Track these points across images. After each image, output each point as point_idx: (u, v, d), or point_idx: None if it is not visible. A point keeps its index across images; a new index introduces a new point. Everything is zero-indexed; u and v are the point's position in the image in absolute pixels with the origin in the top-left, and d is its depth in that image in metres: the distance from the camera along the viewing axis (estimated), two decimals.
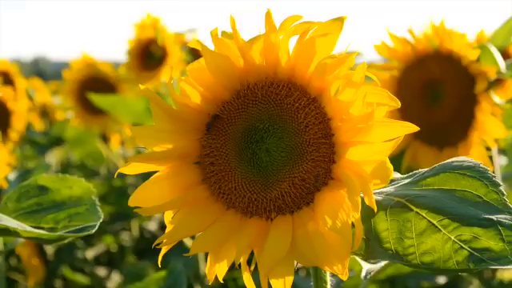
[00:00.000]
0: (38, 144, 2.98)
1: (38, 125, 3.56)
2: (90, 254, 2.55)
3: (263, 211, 0.70)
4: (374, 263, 0.88)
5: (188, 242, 2.23)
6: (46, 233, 0.81)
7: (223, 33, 0.70)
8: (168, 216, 0.72)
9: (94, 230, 0.82)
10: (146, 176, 0.73)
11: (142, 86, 0.72)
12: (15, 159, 1.77)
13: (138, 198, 0.71)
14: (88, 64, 2.93)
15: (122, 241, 2.83)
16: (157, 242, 0.69)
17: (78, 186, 0.91)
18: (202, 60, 0.71)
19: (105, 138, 3.35)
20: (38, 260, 2.12)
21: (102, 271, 2.70)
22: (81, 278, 2.27)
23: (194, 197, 0.72)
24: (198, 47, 0.70)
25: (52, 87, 5.46)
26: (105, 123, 2.77)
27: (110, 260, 2.82)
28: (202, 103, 0.72)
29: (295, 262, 0.66)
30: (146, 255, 2.79)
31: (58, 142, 2.96)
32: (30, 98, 3.57)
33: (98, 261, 2.76)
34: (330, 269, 0.64)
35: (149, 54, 2.17)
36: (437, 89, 1.37)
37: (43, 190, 0.92)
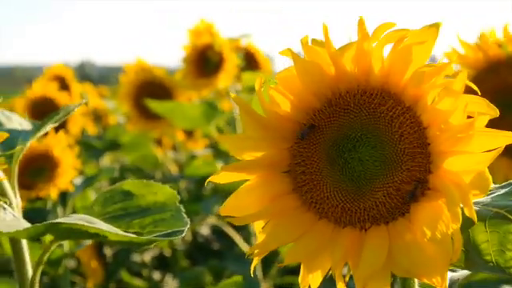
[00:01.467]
0: (93, 148, 3.01)
1: (92, 129, 3.61)
2: (147, 257, 2.58)
3: (357, 221, 0.69)
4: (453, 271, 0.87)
5: (243, 246, 2.25)
6: (136, 237, 0.82)
7: (313, 40, 0.70)
8: (258, 226, 0.72)
9: (182, 235, 0.83)
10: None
11: (232, 94, 0.72)
12: (80, 163, 1.80)
13: (229, 207, 0.71)
14: (143, 69, 2.96)
15: (174, 245, 2.85)
16: (249, 251, 0.70)
17: (162, 193, 0.92)
18: (291, 68, 0.70)
19: (158, 143, 3.39)
20: (97, 263, 2.15)
21: (156, 275, 2.72)
22: (138, 282, 2.29)
23: (284, 206, 0.71)
24: (289, 55, 0.70)
25: (102, 91, 5.54)
26: (160, 128, 2.79)
27: (163, 264, 2.84)
28: (292, 111, 0.72)
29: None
30: (199, 260, 2.81)
31: (113, 145, 2.99)
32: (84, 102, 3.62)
33: (151, 264, 2.79)
34: (429, 280, 0.63)
35: (205, 60, 2.18)
36: (510, 97, 1.35)
37: (128, 195, 0.93)
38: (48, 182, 1.65)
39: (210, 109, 2.08)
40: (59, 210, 1.84)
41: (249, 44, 3.07)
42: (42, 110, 2.68)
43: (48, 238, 0.90)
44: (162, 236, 0.84)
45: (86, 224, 0.80)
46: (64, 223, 0.81)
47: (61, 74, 3.97)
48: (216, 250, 2.97)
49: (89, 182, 1.85)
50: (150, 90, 2.78)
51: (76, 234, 0.85)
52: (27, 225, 0.86)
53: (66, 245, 1.68)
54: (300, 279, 0.69)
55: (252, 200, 0.71)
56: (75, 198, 1.85)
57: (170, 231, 0.85)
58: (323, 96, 0.71)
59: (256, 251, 0.70)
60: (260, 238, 0.70)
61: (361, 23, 0.66)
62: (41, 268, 0.93)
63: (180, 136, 3.40)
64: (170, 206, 0.90)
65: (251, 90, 2.29)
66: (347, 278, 0.68)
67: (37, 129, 0.97)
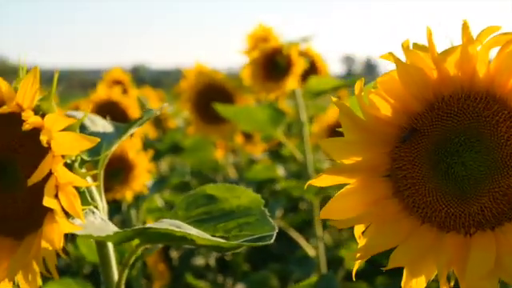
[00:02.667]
0: (155, 151, 3.03)
1: (152, 132, 3.64)
2: (212, 260, 2.59)
3: (461, 226, 0.68)
4: None
5: (309, 249, 2.24)
6: (225, 241, 0.82)
7: (414, 45, 0.69)
8: (358, 230, 0.71)
9: (271, 241, 0.82)
10: None
11: (334, 98, 0.71)
12: (154, 166, 1.81)
13: (329, 211, 0.71)
14: (202, 73, 2.97)
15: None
16: (350, 256, 0.69)
17: (245, 196, 0.92)
18: (393, 72, 0.69)
19: (217, 146, 3.40)
20: (164, 265, 2.17)
21: (218, 278, 2.72)
22: (202, 284, 2.30)
23: (385, 210, 0.71)
24: (391, 59, 0.69)
25: (159, 95, 5.59)
26: (220, 132, 2.79)
27: (223, 267, 2.84)
28: (393, 115, 0.71)
29: None
30: (258, 263, 2.80)
31: (174, 149, 3.01)
32: (144, 106, 3.66)
33: (209, 267, 2.79)
34: None
35: (273, 64, 2.17)
36: None
37: (211, 199, 0.93)
38: (123, 184, 1.67)
39: (277, 113, 2.07)
40: (132, 212, 1.86)
41: (307, 48, 3.06)
42: (107, 113, 2.71)
43: (135, 241, 0.90)
44: (251, 241, 0.83)
45: (175, 229, 0.80)
46: (153, 228, 0.81)
47: (119, 78, 4.02)
48: (276, 253, 2.96)
49: (160, 184, 1.86)
50: (211, 94, 2.78)
51: (164, 238, 0.85)
52: (115, 229, 0.86)
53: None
54: (403, 284, 0.69)
55: (352, 204, 0.70)
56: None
57: (258, 236, 0.84)
58: (425, 100, 0.70)
59: (358, 255, 0.69)
60: (361, 242, 0.70)
61: (465, 27, 0.65)
62: (126, 271, 0.94)
63: (239, 140, 3.40)
64: (254, 210, 0.90)
65: (316, 94, 2.28)
66: (452, 283, 0.66)
67: (121, 132, 0.98)
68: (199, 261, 2.65)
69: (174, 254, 2.39)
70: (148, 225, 0.82)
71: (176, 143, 3.06)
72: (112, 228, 0.86)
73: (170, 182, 1.88)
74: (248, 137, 3.84)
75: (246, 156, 3.59)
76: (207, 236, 0.82)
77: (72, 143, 0.76)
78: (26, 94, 0.77)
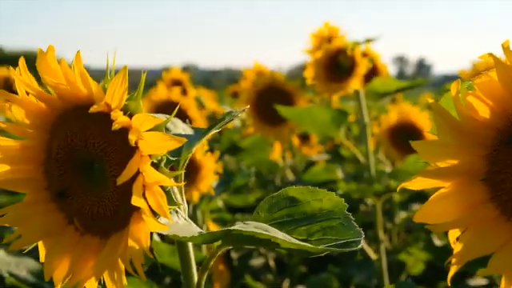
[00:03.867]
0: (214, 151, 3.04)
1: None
2: (271, 262, 2.58)
3: None
4: None
5: (371, 253, 2.21)
6: (312, 246, 0.80)
7: None
8: (452, 234, 0.69)
9: (359, 246, 0.81)
10: None
11: (430, 99, 0.70)
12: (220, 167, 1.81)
13: (423, 215, 0.69)
14: (262, 73, 2.97)
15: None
16: (446, 262, 0.67)
17: (327, 199, 0.90)
18: (492, 73, 0.67)
19: (274, 147, 3.38)
20: (224, 266, 2.16)
21: (276, 280, 2.71)
22: (260, 286, 2.29)
23: (481, 215, 0.69)
24: (490, 60, 0.67)
25: (212, 94, 5.61)
26: (280, 132, 2.78)
27: (280, 268, 2.83)
28: (491, 117, 0.69)
29: None
30: (314, 265, 2.78)
31: (233, 149, 3.01)
32: (202, 105, 3.67)
33: (268, 268, 2.78)
34: None
35: (337, 64, 2.15)
36: None
37: (293, 201, 0.92)
38: (191, 185, 1.67)
39: (340, 114, 2.05)
40: (198, 213, 1.86)
41: (367, 48, 3.02)
42: (166, 113, 2.72)
43: (216, 243, 0.89)
44: (336, 246, 0.82)
45: (262, 232, 0.79)
46: (238, 230, 0.80)
47: (178, 78, 4.05)
48: (333, 256, 2.94)
49: (225, 185, 1.86)
50: (270, 94, 2.77)
51: (248, 241, 0.85)
52: (198, 229, 0.86)
53: (204, 248, 1.69)
54: None
55: (447, 208, 0.69)
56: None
57: (344, 241, 0.82)
58: None
59: (453, 261, 0.67)
60: (456, 247, 0.68)
61: None
62: (207, 272, 0.94)
63: (295, 141, 3.38)
64: (337, 214, 0.88)
65: (380, 95, 2.25)
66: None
67: (202, 134, 0.97)
68: (257, 261, 2.64)
69: (234, 255, 2.39)
70: (234, 227, 0.82)
71: (234, 144, 3.06)
72: (195, 229, 0.86)
73: (234, 183, 1.88)
74: (304, 138, 3.82)
75: (301, 157, 3.57)
76: (294, 240, 0.81)
77: (160, 143, 0.76)
78: (115, 94, 0.77)
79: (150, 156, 0.77)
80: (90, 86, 0.78)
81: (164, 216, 0.75)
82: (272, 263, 2.57)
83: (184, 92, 3.49)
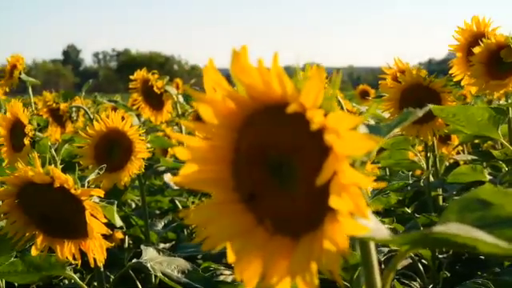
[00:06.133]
0: None
1: None
2: (418, 265, 2.51)
3: None
4: None
5: None
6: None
7: None
8: None
9: None
10: None
11: None
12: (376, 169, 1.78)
13: None
14: (407, 71, 2.89)
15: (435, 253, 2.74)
16: None
17: None
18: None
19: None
20: None
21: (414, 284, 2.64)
22: None
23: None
24: None
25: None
26: (426, 132, 2.70)
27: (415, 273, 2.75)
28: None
29: None
30: (458, 271, 2.69)
31: None
32: (341, 106, 3.64)
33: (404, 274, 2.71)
34: None
35: (498, 61, 2.05)
36: None
37: (484, 204, 0.87)
38: None
39: (498, 113, 1.96)
40: None
41: None
42: None
43: (405, 246, 0.87)
44: None
45: (470, 235, 0.76)
46: (440, 233, 0.77)
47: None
48: (478, 260, 2.82)
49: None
50: (415, 93, 2.70)
51: (447, 244, 0.81)
52: (388, 230, 0.83)
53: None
54: None
55: None
56: None
57: None
58: None
59: None
60: None
61: None
62: (391, 276, 0.91)
63: (434, 140, 3.28)
64: None
65: None
66: None
67: (385, 133, 0.95)
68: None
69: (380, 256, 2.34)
70: (434, 228, 0.79)
71: None
72: (385, 230, 0.84)
73: (391, 186, 1.84)
74: (443, 138, 3.70)
75: (440, 157, 3.46)
76: (498, 242, 0.77)
77: (358, 143, 0.74)
78: (311, 94, 0.76)
79: (347, 156, 0.75)
80: (285, 86, 0.78)
81: (363, 218, 0.74)
82: (419, 267, 2.50)
83: None
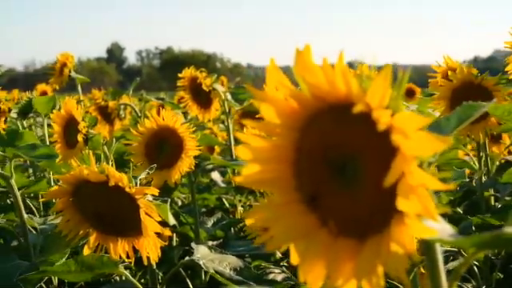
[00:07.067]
0: None
1: None
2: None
3: None
4: None
5: None
6: None
7: None
8: None
9: None
10: None
11: None
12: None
13: None
14: (459, 69, 2.84)
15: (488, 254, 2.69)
16: None
17: None
18: None
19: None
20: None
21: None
22: None
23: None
24: None
25: None
26: (477, 131, 2.65)
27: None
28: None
29: None
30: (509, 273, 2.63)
31: None
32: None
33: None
34: None
35: None
36: None
37: None
38: None
39: None
40: None
41: None
42: None
43: (472, 248, 0.85)
44: None
45: None
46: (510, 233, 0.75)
47: None
48: None
49: None
50: (466, 91, 2.65)
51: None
52: (454, 232, 0.81)
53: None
54: None
55: None
56: None
57: None
58: None
59: None
60: None
61: None
62: (458, 277, 0.89)
63: (484, 139, 3.22)
64: None
65: None
66: None
67: (454, 127, 0.93)
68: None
69: None
70: (506, 230, 0.76)
71: None
72: (451, 231, 0.82)
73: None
74: (494, 137, 3.63)
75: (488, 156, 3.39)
76: None
77: (426, 144, 0.73)
78: (377, 94, 0.75)
79: (414, 157, 0.74)
80: (351, 85, 0.77)
81: (432, 220, 0.72)
82: (474, 268, 2.45)
83: None
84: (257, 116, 2.85)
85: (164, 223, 1.63)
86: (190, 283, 2.30)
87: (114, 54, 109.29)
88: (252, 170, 0.85)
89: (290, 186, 0.87)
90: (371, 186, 0.78)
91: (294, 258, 0.83)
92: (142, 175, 1.77)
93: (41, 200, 2.85)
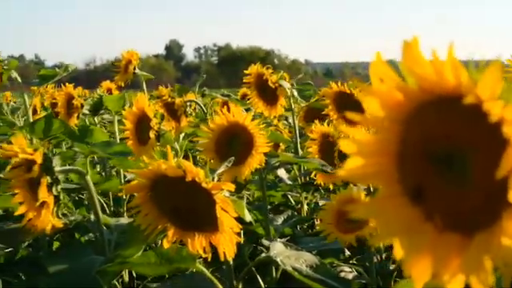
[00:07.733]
0: None
1: None
2: None
3: None
4: None
5: None
6: None
7: None
8: None
9: None
10: None
11: None
12: None
13: None
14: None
15: None
16: None
17: None
18: None
19: None
20: None
21: None
22: None
23: None
24: None
25: None
26: None
27: None
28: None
29: None
30: None
31: None
32: None
33: None
34: None
35: None
36: None
37: None
38: None
39: None
40: None
41: None
42: None
43: None
44: None
45: None
46: None
47: None
48: None
49: None
50: None
51: None
52: None
53: None
54: None
55: None
56: None
57: None
58: None
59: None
60: None
61: None
62: None
63: None
64: None
65: None
66: None
67: None
68: None
69: None
70: None
71: None
72: None
73: None
74: None
75: None
76: None
77: None
78: (488, 85, 0.73)
79: None
80: (460, 76, 0.75)
81: None
82: None
83: None
84: (322, 113, 2.84)
85: (239, 220, 1.63)
86: (261, 281, 2.30)
87: (172, 51, 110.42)
88: (355, 164, 0.85)
89: (393, 180, 0.85)
90: (479, 180, 0.77)
91: (399, 253, 0.82)
92: (219, 170, 1.77)
93: (117, 195, 2.89)
